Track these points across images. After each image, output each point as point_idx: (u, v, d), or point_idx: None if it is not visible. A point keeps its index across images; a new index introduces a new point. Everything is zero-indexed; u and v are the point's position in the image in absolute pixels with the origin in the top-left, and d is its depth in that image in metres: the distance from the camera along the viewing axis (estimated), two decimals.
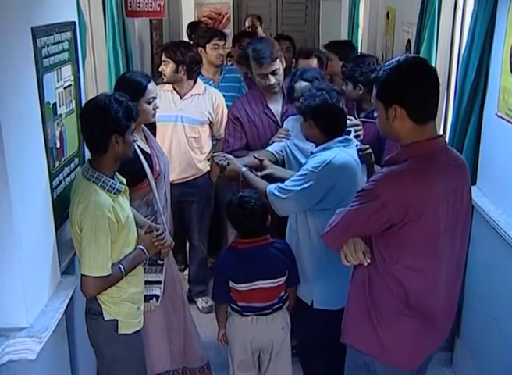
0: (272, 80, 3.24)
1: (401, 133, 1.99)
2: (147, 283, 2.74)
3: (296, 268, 2.78)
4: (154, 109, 2.95)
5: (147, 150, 2.92)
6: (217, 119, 3.86)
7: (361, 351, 2.14)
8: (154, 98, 2.95)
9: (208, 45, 4.12)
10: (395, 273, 2.02)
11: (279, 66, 3.26)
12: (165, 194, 3.03)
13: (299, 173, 2.67)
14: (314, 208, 2.65)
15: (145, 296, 2.72)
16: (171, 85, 3.76)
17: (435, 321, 2.09)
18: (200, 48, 4.14)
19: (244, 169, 2.91)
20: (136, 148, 2.80)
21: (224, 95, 4.01)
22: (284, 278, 2.75)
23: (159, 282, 2.82)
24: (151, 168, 2.87)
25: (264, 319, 2.75)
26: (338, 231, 2.05)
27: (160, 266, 2.81)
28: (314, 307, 2.77)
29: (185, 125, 3.75)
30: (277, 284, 2.73)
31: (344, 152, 2.65)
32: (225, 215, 4.20)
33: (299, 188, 2.61)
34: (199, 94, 3.80)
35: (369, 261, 2.03)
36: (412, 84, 1.93)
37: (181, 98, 3.77)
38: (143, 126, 3.01)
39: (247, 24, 6.57)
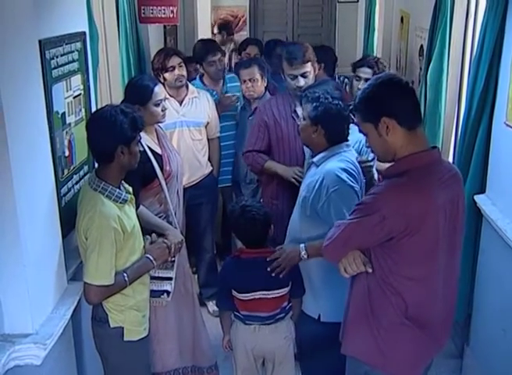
0: (302, 81, 3.25)
1: (397, 145, 2.00)
2: (158, 279, 2.78)
3: (300, 279, 2.75)
4: (162, 111, 3.01)
5: (158, 151, 2.98)
6: (212, 118, 3.93)
7: (362, 361, 2.15)
8: (161, 100, 3.01)
9: (203, 63, 4.10)
10: (394, 284, 2.03)
11: (309, 69, 3.28)
12: (178, 193, 3.07)
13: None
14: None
15: (156, 291, 2.77)
16: (165, 92, 3.75)
17: (434, 330, 2.10)
18: (198, 64, 4.18)
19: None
20: (147, 149, 2.86)
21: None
22: (287, 289, 2.72)
23: (170, 278, 2.84)
24: (162, 168, 2.92)
25: (267, 328, 2.74)
26: (338, 244, 2.07)
27: (171, 262, 2.84)
28: (322, 321, 2.73)
29: (190, 129, 3.80)
30: (279, 295, 2.70)
31: (345, 161, 2.65)
32: None
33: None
34: (196, 97, 3.85)
35: (370, 270, 2.05)
36: (394, 93, 2.00)
37: (180, 104, 3.78)
38: (156, 126, 3.07)
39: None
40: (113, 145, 2.32)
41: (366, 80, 3.46)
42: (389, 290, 2.04)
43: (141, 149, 2.55)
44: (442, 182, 1.99)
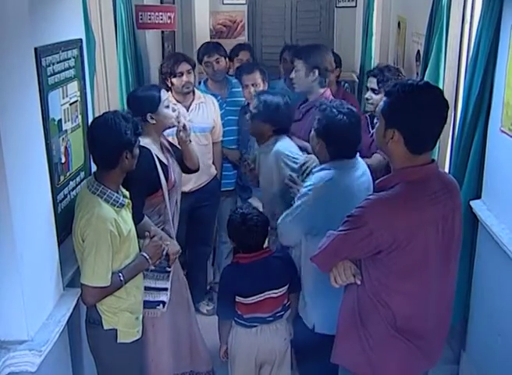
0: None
1: (393, 155, 2.00)
2: (154, 289, 2.81)
3: (297, 275, 2.79)
4: (174, 111, 3.04)
5: (165, 161, 2.99)
6: (217, 122, 3.96)
7: (352, 372, 2.15)
8: (168, 101, 3.06)
9: (202, 64, 4.15)
10: (383, 296, 2.04)
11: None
12: (176, 202, 3.10)
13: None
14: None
15: (152, 302, 2.81)
16: (172, 98, 3.73)
17: (424, 343, 2.10)
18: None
19: None
20: (155, 158, 2.88)
21: (230, 110, 4.13)
22: (287, 286, 2.78)
23: (166, 289, 2.88)
24: (167, 178, 2.94)
25: (268, 329, 2.77)
26: (327, 254, 2.07)
27: (167, 273, 2.88)
28: (316, 331, 2.73)
29: (197, 134, 3.78)
30: (281, 293, 2.77)
31: (338, 175, 2.60)
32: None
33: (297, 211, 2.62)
34: (202, 102, 3.87)
35: (359, 282, 2.06)
36: (418, 118, 1.92)
37: (187, 109, 3.79)
38: (161, 138, 3.09)
39: None
40: (120, 152, 2.38)
41: (372, 89, 3.44)
42: (378, 301, 2.05)
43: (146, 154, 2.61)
44: (434, 197, 1.98)
